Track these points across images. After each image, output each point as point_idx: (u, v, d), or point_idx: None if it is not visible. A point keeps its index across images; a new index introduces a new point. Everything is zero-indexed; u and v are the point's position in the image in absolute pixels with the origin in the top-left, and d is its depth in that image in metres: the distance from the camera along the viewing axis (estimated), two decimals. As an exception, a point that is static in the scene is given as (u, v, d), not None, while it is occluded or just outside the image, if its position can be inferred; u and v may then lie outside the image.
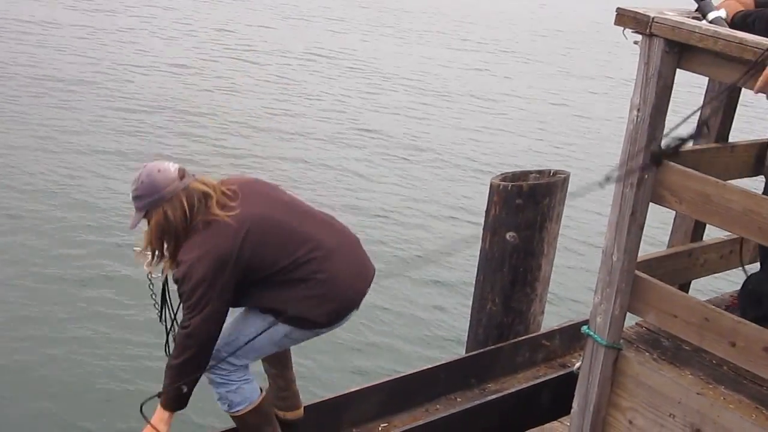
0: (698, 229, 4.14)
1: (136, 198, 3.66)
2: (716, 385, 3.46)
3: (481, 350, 5.23)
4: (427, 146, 15.25)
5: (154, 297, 3.88)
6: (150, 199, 3.62)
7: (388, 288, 9.68)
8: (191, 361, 3.61)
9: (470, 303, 5.81)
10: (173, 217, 3.60)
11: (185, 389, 3.64)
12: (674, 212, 3.93)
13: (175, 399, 3.66)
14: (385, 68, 20.69)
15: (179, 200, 3.60)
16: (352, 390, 4.53)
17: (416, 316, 9.19)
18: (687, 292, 4.05)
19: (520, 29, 28.91)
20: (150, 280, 3.83)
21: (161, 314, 3.89)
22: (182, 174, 3.67)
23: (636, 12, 3.19)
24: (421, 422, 4.36)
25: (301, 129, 15.11)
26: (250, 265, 3.65)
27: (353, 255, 3.96)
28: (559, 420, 4.28)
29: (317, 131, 15.08)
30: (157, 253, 3.69)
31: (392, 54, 22.66)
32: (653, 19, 3.13)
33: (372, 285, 4.08)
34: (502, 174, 5.60)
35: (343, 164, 13.48)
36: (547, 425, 4.26)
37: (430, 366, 4.90)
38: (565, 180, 5.52)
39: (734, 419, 3.24)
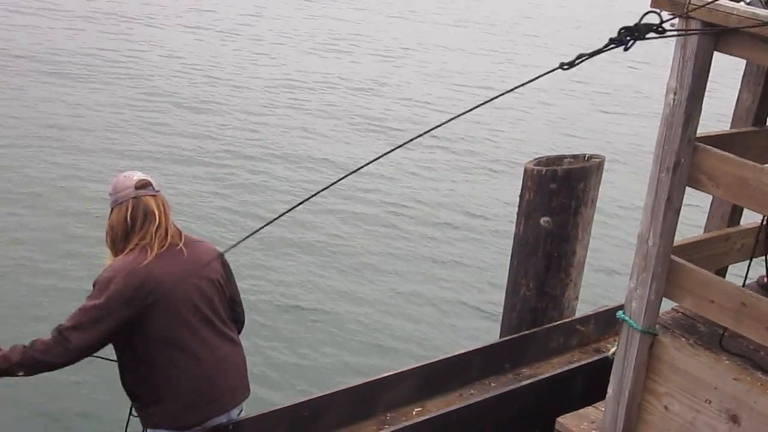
0: (735, 213, 4.10)
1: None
2: (753, 370, 3.43)
3: (515, 335, 5.22)
4: (463, 132, 15.20)
5: None
6: (110, 198, 3.81)
7: (422, 273, 9.70)
8: (47, 366, 3.62)
9: (504, 288, 5.79)
10: (116, 221, 3.74)
11: (21, 374, 3.65)
12: (711, 196, 3.90)
13: (6, 372, 3.63)
14: (415, 56, 20.64)
15: (126, 206, 3.73)
16: (387, 374, 4.55)
17: (450, 301, 9.20)
18: (724, 277, 4.02)
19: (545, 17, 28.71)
20: None
21: None
22: (142, 185, 3.77)
23: (673, -6, 3.15)
24: (455, 407, 4.37)
25: (333, 113, 15.13)
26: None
27: (219, 378, 3.84)
28: (593, 405, 4.26)
29: (342, 120, 15.10)
30: (112, 246, 3.78)
31: (419, 41, 22.60)
32: (690, 1, 3.09)
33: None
34: (536, 159, 5.57)
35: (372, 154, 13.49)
36: (582, 410, 4.24)
37: (464, 351, 4.90)
38: (600, 164, 5.48)
39: (771, 405, 3.22)
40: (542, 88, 19.12)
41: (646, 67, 21.93)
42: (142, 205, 3.72)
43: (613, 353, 3.72)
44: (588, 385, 4.66)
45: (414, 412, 4.49)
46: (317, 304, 8.61)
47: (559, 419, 4.17)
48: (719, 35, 3.15)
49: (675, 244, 3.48)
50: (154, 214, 3.73)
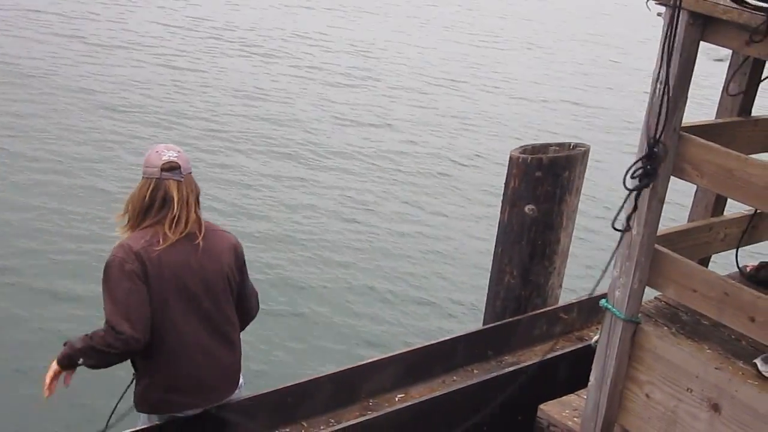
0: (719, 203, 4.12)
1: None
2: (735, 359, 3.45)
3: (499, 323, 5.23)
4: (448, 119, 15.21)
5: None
6: (142, 168, 3.81)
7: (406, 260, 9.70)
8: (103, 355, 3.63)
9: (488, 275, 5.80)
10: (136, 195, 3.76)
11: (80, 363, 3.69)
12: (695, 186, 3.91)
13: (69, 361, 3.70)
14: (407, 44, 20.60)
15: (148, 184, 3.74)
16: (370, 361, 4.55)
17: (434, 288, 9.21)
18: (707, 266, 4.03)
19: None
20: None
21: None
22: (168, 167, 3.74)
23: (660, -17, 3.15)
24: (438, 393, 4.38)
25: (328, 110, 15.10)
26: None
27: (202, 375, 3.84)
28: (576, 393, 4.28)
29: (344, 111, 15.06)
30: (126, 216, 3.80)
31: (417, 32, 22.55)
32: (678, -10, 3.09)
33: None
34: (521, 146, 5.57)
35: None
36: (564, 398, 4.26)
37: (447, 338, 4.91)
38: (585, 153, 5.49)
39: (752, 394, 3.24)
40: (529, 76, 19.14)
41: (631, 57, 21.98)
42: (162, 189, 3.72)
43: (596, 341, 3.73)
44: (571, 373, 4.68)
45: (397, 399, 4.50)
46: (301, 292, 8.60)
47: (542, 406, 4.19)
48: (705, 25, 3.15)
49: (659, 234, 3.49)
50: (173, 202, 3.71)
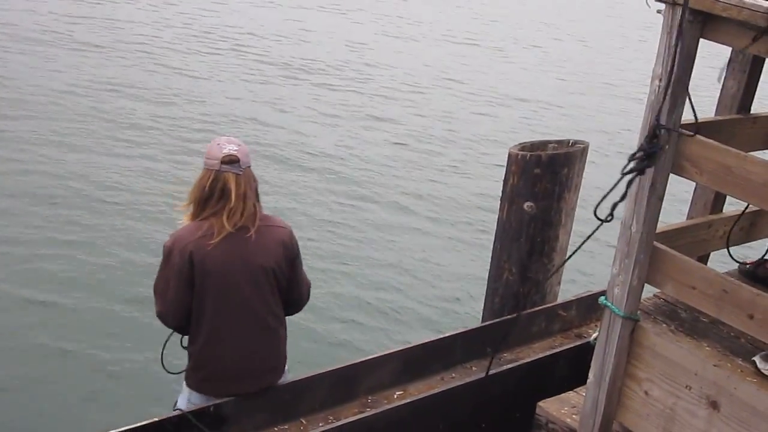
0: (718, 200, 4.11)
1: None
2: (733, 357, 3.45)
3: (498, 320, 5.23)
4: (448, 116, 15.20)
5: None
6: (204, 159, 3.98)
7: (405, 257, 9.70)
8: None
9: (487, 272, 5.80)
10: (198, 185, 3.93)
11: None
12: (694, 183, 3.90)
13: None
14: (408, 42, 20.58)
15: (208, 175, 3.90)
16: (368, 357, 4.55)
17: (432, 285, 9.21)
18: (705, 263, 4.03)
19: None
20: None
21: None
22: (228, 160, 3.88)
23: (659, -20, 3.14)
24: (436, 390, 4.38)
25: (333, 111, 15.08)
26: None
27: (239, 364, 4.05)
28: (574, 390, 4.27)
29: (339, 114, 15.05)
30: (190, 205, 3.98)
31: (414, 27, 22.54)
32: (678, -12, 3.09)
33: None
34: (520, 144, 5.57)
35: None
36: (563, 395, 4.26)
37: (446, 335, 4.91)
38: (584, 150, 5.49)
39: (751, 392, 3.24)
40: (528, 72, 19.14)
41: (630, 53, 21.97)
42: (221, 181, 3.87)
43: (595, 338, 3.73)
44: (569, 370, 4.68)
45: (395, 395, 4.50)
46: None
47: (540, 403, 4.18)
48: (705, 22, 3.14)
49: (658, 231, 3.48)
50: (230, 194, 3.85)
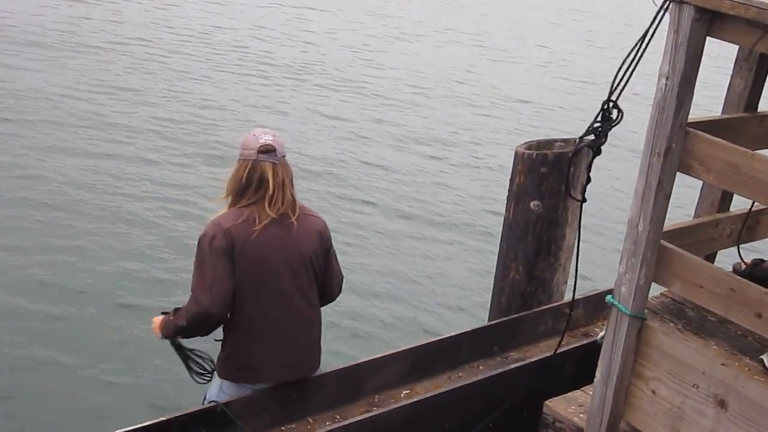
0: (725, 199, 4.11)
1: None
2: (741, 356, 3.44)
3: (504, 318, 5.23)
4: (454, 114, 15.20)
5: None
6: (240, 150, 4.04)
7: (412, 256, 9.70)
8: (189, 329, 3.99)
9: (493, 271, 5.80)
10: (235, 176, 3.99)
11: (178, 341, 4.13)
12: (701, 182, 3.90)
13: (166, 331, 4.08)
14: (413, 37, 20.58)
15: (245, 166, 3.96)
16: (375, 357, 4.55)
17: (439, 284, 9.21)
18: (713, 262, 4.02)
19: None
20: None
21: None
22: (264, 150, 3.94)
23: (666, -22, 3.14)
24: (443, 389, 4.38)
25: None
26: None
27: (279, 353, 4.09)
28: (581, 389, 4.27)
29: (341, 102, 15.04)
30: (228, 198, 4.03)
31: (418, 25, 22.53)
32: (683, -15, 3.08)
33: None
34: (527, 142, 5.57)
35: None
36: (570, 394, 4.25)
37: (452, 334, 4.90)
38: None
39: (759, 390, 3.23)
40: (534, 71, 19.12)
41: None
42: (259, 170, 3.93)
43: (602, 337, 3.73)
44: (576, 369, 4.68)
45: (402, 395, 4.50)
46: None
47: (547, 402, 4.18)
48: (712, 20, 3.14)
49: (665, 230, 3.48)
50: (268, 183, 3.92)
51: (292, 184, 4.05)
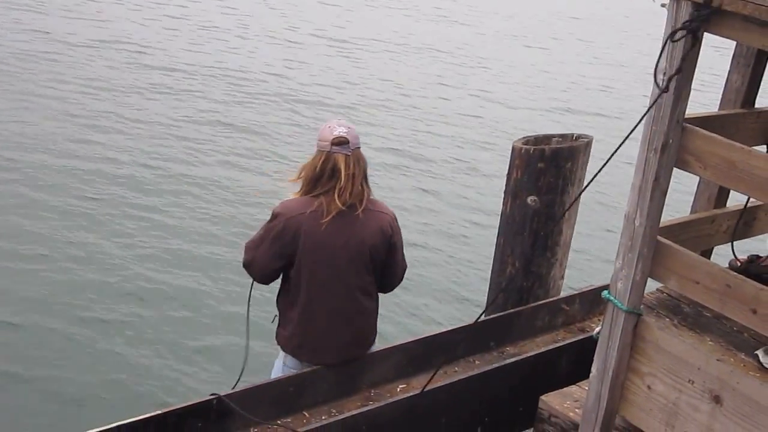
0: (722, 195, 4.11)
1: None
2: (736, 351, 3.45)
3: (501, 314, 5.23)
4: (451, 109, 15.18)
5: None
6: (316, 141, 4.25)
7: (408, 250, 9.68)
8: (248, 271, 4.34)
9: (490, 266, 5.80)
10: (309, 165, 4.20)
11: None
12: (698, 178, 3.90)
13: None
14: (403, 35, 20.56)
15: (319, 157, 4.16)
16: (371, 351, 4.55)
17: (435, 278, 9.21)
18: (709, 258, 4.03)
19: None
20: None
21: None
22: (338, 142, 4.13)
23: (664, -26, 3.14)
24: (439, 384, 4.38)
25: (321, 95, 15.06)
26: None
27: (331, 335, 4.29)
28: (577, 384, 4.28)
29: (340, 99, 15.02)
30: (299, 182, 4.24)
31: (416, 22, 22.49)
32: (681, -19, 3.08)
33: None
34: (524, 137, 5.56)
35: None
36: (566, 389, 4.26)
37: (449, 328, 4.91)
38: (588, 144, 5.48)
39: (754, 386, 3.24)
40: (532, 65, 19.11)
41: (635, 45, 21.93)
42: (332, 162, 4.12)
43: (598, 333, 3.73)
44: (572, 364, 4.69)
45: (398, 389, 4.50)
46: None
47: (543, 397, 4.19)
48: (709, 16, 3.14)
49: (661, 225, 3.48)
50: (340, 174, 4.11)
51: (365, 176, 4.23)
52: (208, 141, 12.03)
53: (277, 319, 4.41)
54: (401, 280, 4.57)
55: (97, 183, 10.19)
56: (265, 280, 4.33)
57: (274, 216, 4.17)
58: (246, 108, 13.63)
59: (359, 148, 4.21)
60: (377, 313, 4.48)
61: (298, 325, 4.25)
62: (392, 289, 4.59)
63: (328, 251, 4.14)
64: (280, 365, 4.41)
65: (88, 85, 13.45)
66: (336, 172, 4.11)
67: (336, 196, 4.09)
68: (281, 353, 4.41)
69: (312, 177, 4.17)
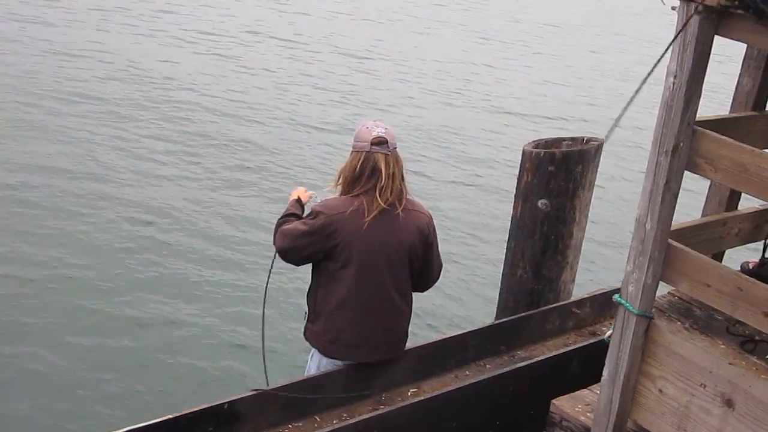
0: (733, 198, 4.10)
1: None
2: (748, 355, 3.44)
3: (512, 317, 5.23)
4: (461, 113, 15.18)
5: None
6: (353, 142, 4.26)
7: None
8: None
9: (501, 270, 5.79)
10: (348, 166, 4.22)
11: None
12: (709, 181, 3.89)
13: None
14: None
15: (358, 157, 4.18)
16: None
17: (446, 282, 9.18)
18: (720, 261, 4.01)
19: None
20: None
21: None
22: (377, 141, 4.15)
23: (674, -23, 3.13)
24: (450, 388, 4.37)
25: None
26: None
27: (368, 333, 4.31)
28: (588, 388, 4.27)
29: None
30: (338, 186, 4.27)
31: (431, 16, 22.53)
32: (692, -16, 3.07)
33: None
34: (534, 141, 5.56)
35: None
36: (577, 392, 4.25)
37: (459, 332, 4.90)
38: (599, 147, 5.47)
39: (766, 389, 3.22)
40: (544, 69, 19.10)
41: (644, 49, 21.89)
42: (371, 161, 4.15)
43: (609, 336, 3.72)
44: (583, 368, 4.67)
45: (409, 393, 4.50)
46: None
47: (554, 401, 4.18)
48: (720, 19, 3.13)
49: (672, 228, 3.47)
50: (381, 173, 4.14)
51: (403, 176, 4.25)
52: (206, 157, 12.02)
53: (306, 315, 4.42)
54: (438, 277, 4.57)
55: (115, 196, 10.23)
56: (296, 264, 4.38)
57: (315, 213, 4.18)
58: (248, 126, 13.60)
59: (396, 147, 4.24)
60: (410, 316, 4.46)
61: (331, 321, 4.25)
62: (429, 287, 4.59)
63: (367, 250, 4.15)
64: (314, 366, 4.42)
65: (85, 101, 13.46)
66: (376, 171, 4.14)
67: (377, 194, 4.13)
68: (314, 354, 4.41)
69: (351, 177, 4.19)
